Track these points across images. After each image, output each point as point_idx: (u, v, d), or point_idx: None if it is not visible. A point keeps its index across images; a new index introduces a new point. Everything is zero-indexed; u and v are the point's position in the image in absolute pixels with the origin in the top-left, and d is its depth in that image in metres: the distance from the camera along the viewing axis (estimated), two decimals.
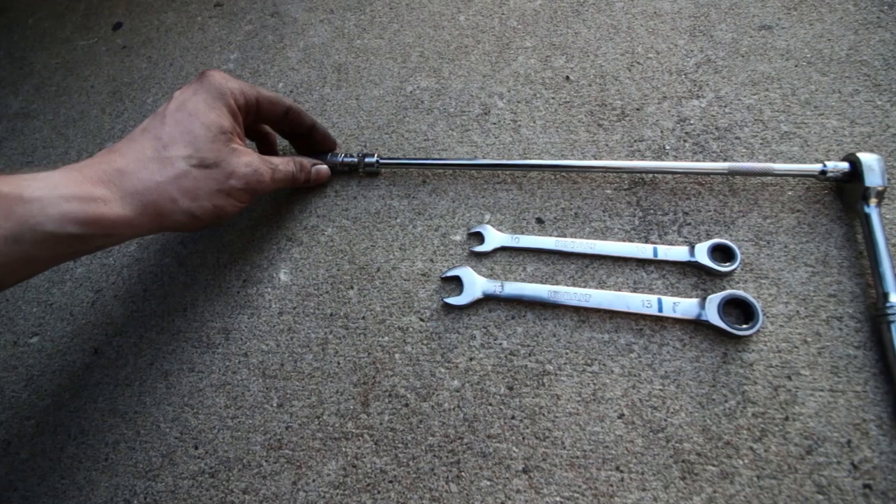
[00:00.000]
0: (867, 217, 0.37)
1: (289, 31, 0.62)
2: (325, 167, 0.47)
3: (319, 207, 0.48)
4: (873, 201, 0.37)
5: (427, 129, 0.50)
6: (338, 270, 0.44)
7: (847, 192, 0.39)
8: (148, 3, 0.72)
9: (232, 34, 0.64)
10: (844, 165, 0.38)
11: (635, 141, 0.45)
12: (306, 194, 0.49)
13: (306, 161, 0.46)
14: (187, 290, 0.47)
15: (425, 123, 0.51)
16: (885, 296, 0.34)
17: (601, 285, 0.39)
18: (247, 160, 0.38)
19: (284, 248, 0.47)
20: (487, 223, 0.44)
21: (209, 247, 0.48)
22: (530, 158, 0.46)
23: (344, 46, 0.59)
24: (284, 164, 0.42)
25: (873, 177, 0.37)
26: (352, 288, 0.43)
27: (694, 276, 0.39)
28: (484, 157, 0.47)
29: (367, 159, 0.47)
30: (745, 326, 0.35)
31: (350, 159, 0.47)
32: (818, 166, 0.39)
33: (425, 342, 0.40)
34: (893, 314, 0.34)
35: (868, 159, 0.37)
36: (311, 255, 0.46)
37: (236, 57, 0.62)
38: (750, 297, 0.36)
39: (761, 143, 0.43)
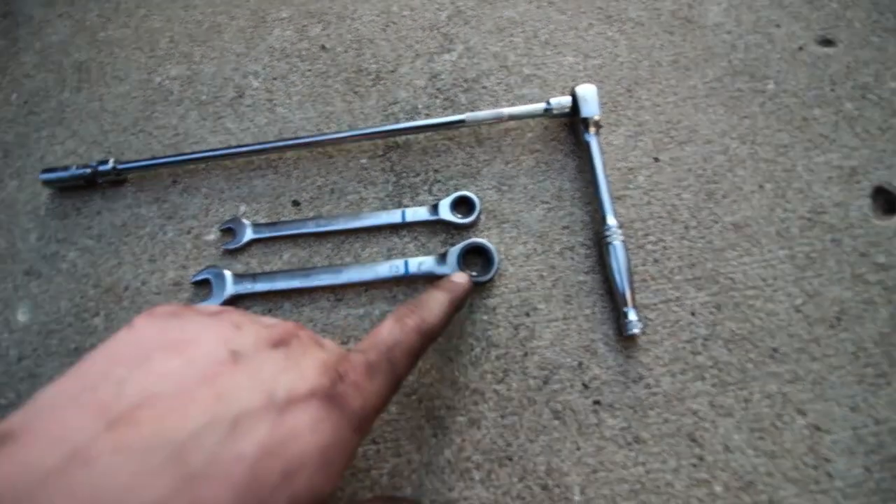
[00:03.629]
0: (588, 146, 0.38)
1: (23, 33, 0.54)
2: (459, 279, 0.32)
3: (59, 231, 0.42)
4: (592, 130, 0.39)
5: (178, 122, 0.45)
6: (81, 298, 0.40)
7: (575, 125, 0.41)
8: None
9: None
10: (567, 100, 0.39)
11: (390, 104, 0.44)
12: (44, 217, 0.43)
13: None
14: None
15: (175, 117, 0.46)
16: (604, 219, 0.36)
17: (357, 259, 0.38)
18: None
19: (22, 285, 0.41)
20: (243, 215, 0.41)
21: None
22: (286, 139, 0.43)
23: (86, 42, 0.52)
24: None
25: (588, 107, 0.38)
26: (98, 315, 0.39)
27: (443, 232, 0.38)
28: (238, 145, 0.44)
29: (101, 167, 0.42)
30: (481, 273, 0.35)
31: (81, 171, 0.42)
32: (542, 105, 0.39)
33: None
34: (610, 235, 0.35)
35: (582, 91, 0.39)
36: (51, 286, 0.40)
37: None
38: (486, 242, 0.36)
39: (505, 90, 0.43)
